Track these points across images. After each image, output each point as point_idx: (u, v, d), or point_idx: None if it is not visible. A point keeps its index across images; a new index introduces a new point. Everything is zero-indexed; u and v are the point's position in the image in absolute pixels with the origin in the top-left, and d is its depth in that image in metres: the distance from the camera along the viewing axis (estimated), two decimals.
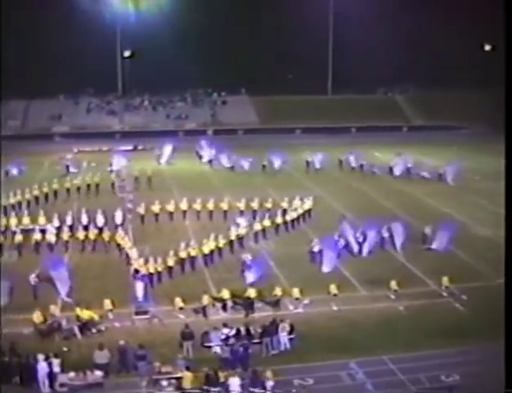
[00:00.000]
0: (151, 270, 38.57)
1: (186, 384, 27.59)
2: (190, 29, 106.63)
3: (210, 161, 76.61)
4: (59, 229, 46.60)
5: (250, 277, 38.50)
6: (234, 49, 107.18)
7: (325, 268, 41.19)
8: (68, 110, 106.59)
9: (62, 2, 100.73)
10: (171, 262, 39.99)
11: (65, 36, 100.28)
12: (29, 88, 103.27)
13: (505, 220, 24.86)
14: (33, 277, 37.64)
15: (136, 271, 38.61)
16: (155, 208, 51.83)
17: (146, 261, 39.06)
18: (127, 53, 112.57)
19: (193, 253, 41.59)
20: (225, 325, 31.86)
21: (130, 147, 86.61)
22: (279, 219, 49.26)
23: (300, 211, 51.56)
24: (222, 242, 43.34)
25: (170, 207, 52.37)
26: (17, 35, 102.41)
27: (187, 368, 28.04)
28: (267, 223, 48.15)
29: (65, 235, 45.55)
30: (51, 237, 45.18)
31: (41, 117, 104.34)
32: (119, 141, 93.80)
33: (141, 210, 51.39)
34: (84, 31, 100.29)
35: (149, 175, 65.20)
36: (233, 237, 44.75)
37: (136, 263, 39.26)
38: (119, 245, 44.14)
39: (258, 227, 47.50)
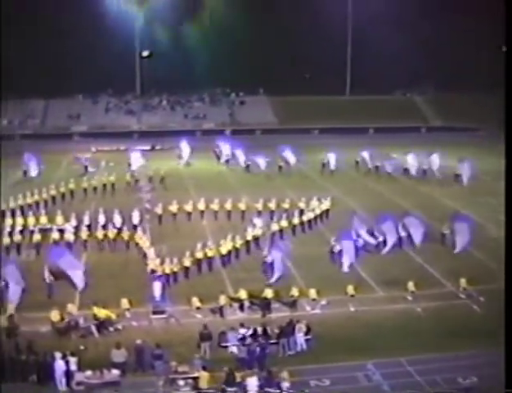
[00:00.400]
0: (167, 271, 38.61)
1: (203, 384, 27.62)
2: (208, 29, 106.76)
3: (227, 161, 76.68)
4: (77, 229, 46.82)
5: (274, 276, 38.72)
6: (252, 49, 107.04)
7: (345, 269, 41.22)
8: (86, 110, 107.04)
9: (82, 3, 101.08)
10: (187, 263, 40.03)
11: (84, 36, 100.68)
12: (48, 88, 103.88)
13: (506, 220, 24.72)
14: (47, 276, 37.85)
15: (153, 271, 38.75)
16: (173, 208, 51.88)
17: (163, 261, 39.13)
18: (145, 53, 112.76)
19: (210, 253, 41.57)
20: (242, 325, 31.89)
21: (148, 147, 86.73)
22: (296, 220, 49.24)
23: (318, 212, 51.51)
24: (239, 243, 43.36)
25: (188, 207, 52.44)
26: (37, 35, 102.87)
27: (204, 368, 28.07)
28: (284, 223, 48.14)
29: (84, 234, 45.75)
30: (69, 236, 45.37)
31: (60, 116, 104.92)
32: (137, 140, 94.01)
33: (159, 209, 51.48)
34: (103, 31, 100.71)
35: (167, 175, 65.28)
36: (249, 238, 44.75)
37: (153, 263, 39.37)
38: (137, 244, 44.33)
39: (275, 227, 47.48)
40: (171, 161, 77.23)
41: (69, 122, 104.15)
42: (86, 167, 69.89)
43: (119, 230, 46.28)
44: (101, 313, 33.57)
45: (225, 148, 78.77)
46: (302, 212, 50.87)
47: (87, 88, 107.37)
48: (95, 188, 60.25)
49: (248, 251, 44.35)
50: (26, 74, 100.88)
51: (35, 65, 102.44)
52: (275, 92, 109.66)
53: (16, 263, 38.52)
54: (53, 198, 56.30)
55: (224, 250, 42.25)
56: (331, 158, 71.92)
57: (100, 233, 45.80)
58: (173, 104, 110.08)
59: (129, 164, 68.96)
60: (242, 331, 31.47)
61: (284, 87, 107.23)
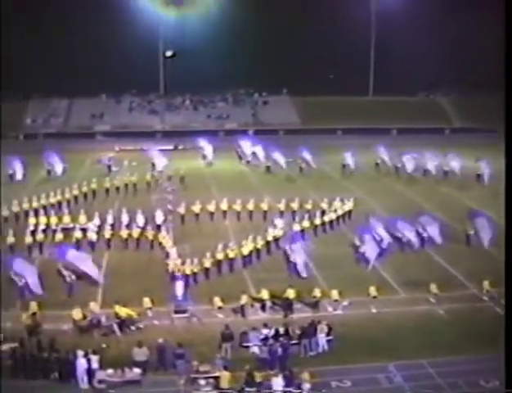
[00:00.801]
0: (188, 272, 38.49)
1: (224, 383, 27.61)
2: (231, 29, 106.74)
3: (249, 162, 76.52)
4: (99, 228, 47.00)
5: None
6: (275, 49, 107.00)
7: (369, 268, 41.34)
8: (110, 109, 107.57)
9: (106, 3, 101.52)
10: (208, 264, 39.91)
11: (108, 36, 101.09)
12: (72, 87, 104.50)
13: (506, 221, 24.47)
14: (68, 274, 38.05)
15: (172, 271, 38.84)
16: (196, 208, 51.93)
17: (183, 262, 39.07)
18: (169, 53, 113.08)
19: (231, 255, 41.46)
20: (265, 325, 31.83)
21: (171, 147, 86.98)
22: (318, 220, 49.13)
23: (340, 212, 51.38)
24: (260, 243, 43.29)
25: (211, 207, 52.43)
26: (62, 35, 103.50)
27: (225, 368, 28.07)
28: (306, 223, 48.06)
29: (107, 233, 45.90)
30: (92, 235, 45.55)
31: (83, 116, 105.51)
32: (160, 140, 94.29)
33: (182, 209, 51.54)
34: (128, 32, 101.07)
35: (189, 175, 65.42)
36: (270, 239, 44.66)
37: (172, 263, 39.42)
38: (160, 243, 44.41)
39: (297, 227, 47.40)
40: (193, 161, 77.38)
41: (93, 121, 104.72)
42: (109, 166, 70.11)
43: (143, 229, 46.41)
44: (122, 311, 33.67)
45: (247, 148, 78.71)
46: (323, 212, 50.75)
47: (111, 88, 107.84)
48: (118, 188, 60.40)
49: (269, 252, 44.23)
50: (50, 73, 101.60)
51: (59, 64, 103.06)
52: (298, 93, 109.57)
53: (24, 257, 39.11)
54: (75, 198, 56.33)
55: (246, 251, 42.20)
56: (354, 158, 71.69)
57: (124, 232, 45.96)
58: (196, 104, 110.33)
59: (152, 164, 69.09)
60: (265, 331, 31.44)
61: (307, 87, 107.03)
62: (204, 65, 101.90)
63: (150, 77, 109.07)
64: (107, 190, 59.50)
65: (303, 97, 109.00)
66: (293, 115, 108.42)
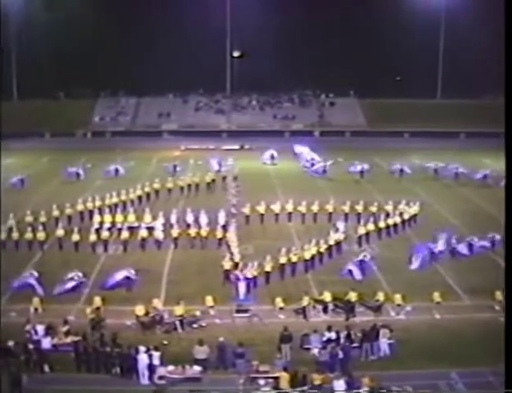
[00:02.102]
0: (250, 276, 38.04)
1: (283, 384, 27.51)
2: (299, 30, 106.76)
3: (313, 164, 75.43)
4: (165, 226, 47.35)
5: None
6: (343, 50, 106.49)
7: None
8: (177, 109, 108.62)
9: (175, 3, 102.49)
10: (270, 268, 39.52)
11: (176, 36, 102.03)
12: (140, 86, 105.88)
13: (506, 222, 24.87)
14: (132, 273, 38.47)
15: (227, 271, 39.05)
16: (260, 208, 51.93)
17: (246, 265, 38.91)
18: (236, 53, 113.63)
19: (294, 259, 40.97)
20: (329, 328, 31.63)
21: (237, 147, 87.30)
22: (382, 223, 48.67)
23: (406, 216, 50.82)
24: (323, 247, 42.95)
25: (275, 208, 52.36)
26: (132, 36, 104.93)
27: (285, 369, 27.99)
28: (371, 226, 47.68)
29: (174, 232, 46.20)
30: (158, 233, 45.94)
31: (150, 114, 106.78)
32: (226, 140, 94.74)
33: (247, 209, 51.62)
34: (196, 32, 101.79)
35: (254, 175, 65.52)
36: (332, 242, 44.35)
37: (227, 264, 39.45)
38: (226, 243, 44.53)
39: (362, 231, 47.06)
40: (259, 161, 77.46)
41: (160, 120, 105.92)
42: (175, 166, 70.23)
43: (211, 228, 46.59)
44: (180, 310, 33.72)
45: (307, 153, 77.86)
46: (388, 215, 50.28)
47: (178, 87, 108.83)
48: (183, 187, 60.72)
49: (330, 255, 43.89)
50: (119, 72, 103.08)
51: (128, 64, 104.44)
52: (365, 94, 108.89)
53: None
54: (139, 197, 56.48)
55: (308, 255, 41.86)
56: (420, 162, 70.85)
57: (192, 231, 46.21)
58: (263, 104, 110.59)
59: (219, 163, 69.27)
60: (328, 334, 31.27)
61: (374, 89, 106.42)
62: (271, 66, 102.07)
63: (217, 77, 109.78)
64: (170, 189, 59.70)
65: (369, 99, 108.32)
66: (359, 116, 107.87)
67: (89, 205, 52.22)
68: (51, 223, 48.54)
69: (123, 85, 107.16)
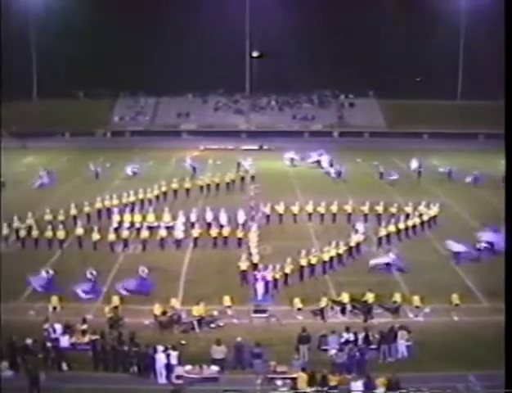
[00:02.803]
0: (269, 278, 37.94)
1: (301, 385, 27.45)
2: (318, 31, 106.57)
3: (332, 165, 74.61)
4: (185, 225, 47.40)
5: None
6: (362, 51, 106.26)
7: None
8: (196, 109, 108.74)
9: (195, 4, 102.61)
10: (289, 270, 39.27)
11: (196, 37, 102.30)
12: (159, 86, 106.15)
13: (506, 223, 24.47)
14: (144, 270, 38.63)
15: (244, 271, 39.04)
16: (280, 208, 51.83)
17: (266, 267, 38.73)
18: (255, 53, 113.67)
19: (313, 261, 40.75)
20: (347, 329, 31.57)
21: (256, 147, 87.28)
22: (402, 225, 48.42)
23: (425, 217, 50.55)
24: (342, 249, 42.78)
25: (295, 208, 52.19)
26: (150, 36, 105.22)
27: (303, 370, 27.94)
28: (391, 228, 47.46)
29: (195, 232, 46.18)
30: (179, 233, 45.98)
31: (169, 114, 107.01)
32: (245, 140, 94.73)
33: (267, 209, 51.55)
34: (215, 32, 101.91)
35: (273, 175, 65.40)
36: (352, 244, 44.18)
37: (244, 265, 39.40)
38: (246, 243, 44.49)
39: (382, 232, 46.87)
40: (278, 161, 77.37)
41: (179, 120, 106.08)
42: (194, 167, 69.93)
43: (233, 228, 46.60)
44: (197, 310, 33.74)
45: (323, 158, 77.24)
46: (408, 216, 50.03)
47: (198, 87, 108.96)
48: (202, 187, 60.66)
49: (349, 256, 43.64)
50: (139, 72, 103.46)
51: (148, 63, 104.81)
52: (385, 95, 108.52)
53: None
54: (157, 196, 56.39)
55: (327, 257, 41.65)
56: (437, 163, 70.47)
57: (214, 231, 46.21)
58: (282, 104, 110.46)
59: (238, 164, 69.17)
60: (346, 335, 31.20)
61: (394, 90, 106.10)
62: (291, 66, 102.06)
63: (236, 77, 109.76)
64: (188, 189, 59.42)
65: (389, 100, 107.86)
66: (379, 117, 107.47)
67: (107, 203, 52.37)
68: (69, 221, 48.74)
69: (143, 85, 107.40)
